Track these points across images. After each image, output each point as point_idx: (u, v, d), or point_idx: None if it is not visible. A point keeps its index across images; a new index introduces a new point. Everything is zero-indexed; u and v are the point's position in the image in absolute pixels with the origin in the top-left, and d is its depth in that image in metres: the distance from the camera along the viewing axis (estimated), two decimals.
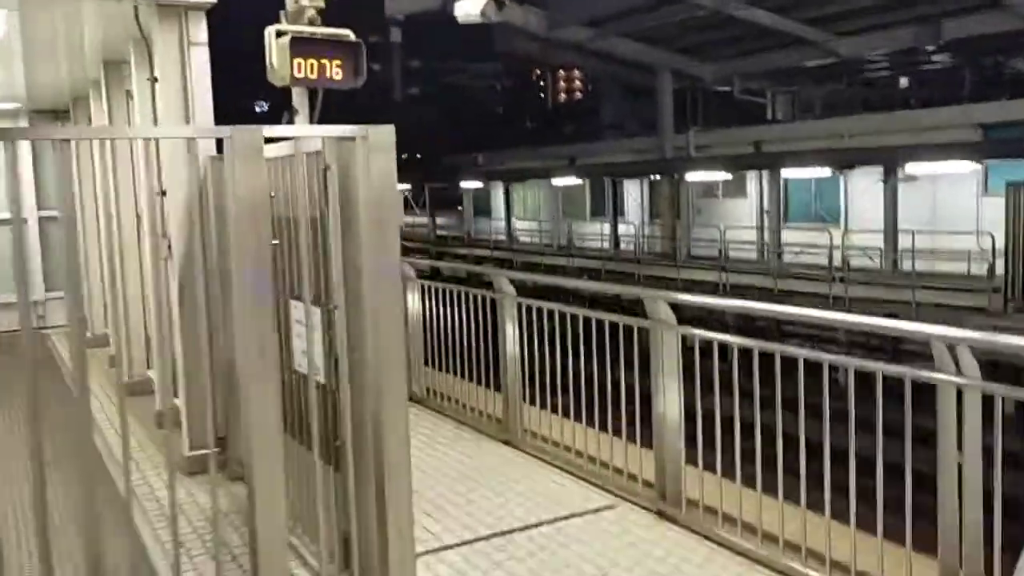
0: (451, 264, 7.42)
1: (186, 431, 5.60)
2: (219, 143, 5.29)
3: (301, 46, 7.22)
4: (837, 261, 18.22)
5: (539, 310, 5.63)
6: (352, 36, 7.53)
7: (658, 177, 25.44)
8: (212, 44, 5.61)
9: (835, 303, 17.75)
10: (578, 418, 5.41)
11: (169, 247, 5.54)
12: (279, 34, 7.12)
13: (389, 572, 3.30)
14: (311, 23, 7.41)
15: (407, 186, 38.16)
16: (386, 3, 19.64)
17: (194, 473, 5.47)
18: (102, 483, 3.33)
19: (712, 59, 25.84)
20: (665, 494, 4.64)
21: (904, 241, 18.95)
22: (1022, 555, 2.23)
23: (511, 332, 6.00)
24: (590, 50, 24.63)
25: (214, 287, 4.77)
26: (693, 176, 22.94)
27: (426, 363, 7.23)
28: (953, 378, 3.28)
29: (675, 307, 4.64)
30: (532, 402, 6.06)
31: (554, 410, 5.84)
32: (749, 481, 4.31)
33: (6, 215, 11.05)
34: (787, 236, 21.79)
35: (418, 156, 48.64)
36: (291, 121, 7.78)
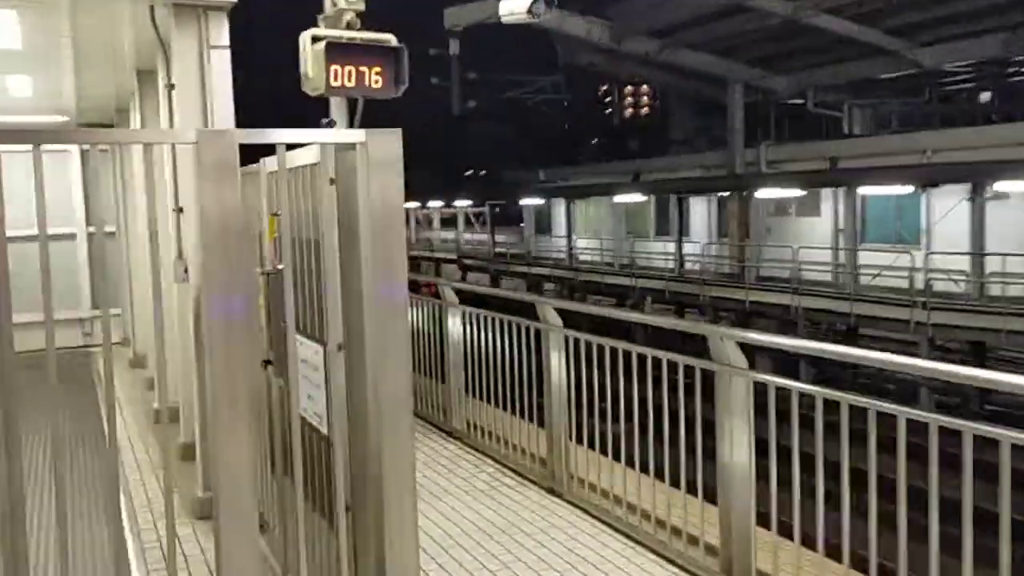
0: (492, 289, 6.84)
1: (200, 470, 5.13)
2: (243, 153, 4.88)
3: (338, 52, 6.72)
4: (919, 284, 17.04)
5: (588, 344, 4.98)
6: (394, 41, 7.07)
7: (727, 194, 24.48)
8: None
9: (917, 329, 16.58)
10: (630, 461, 4.74)
11: (186, 269, 5.10)
12: (315, 40, 6.70)
13: None
14: (349, 27, 6.97)
15: (468, 202, 37.90)
16: (445, 14, 19.29)
17: (207, 517, 4.99)
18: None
19: (785, 71, 24.80)
20: (732, 568, 3.94)
21: (992, 264, 17.67)
22: None
23: (557, 366, 5.38)
24: (656, 62, 23.86)
25: None
26: (764, 193, 21.93)
27: (467, 390, 6.66)
28: None
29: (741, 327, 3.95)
30: (579, 440, 5.42)
31: (603, 450, 5.18)
32: (834, 552, 3.61)
33: (63, 230, 11.06)
34: (864, 257, 20.60)
35: (482, 172, 48.32)
36: None
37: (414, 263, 39.32)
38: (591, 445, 5.27)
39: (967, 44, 20.23)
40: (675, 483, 4.75)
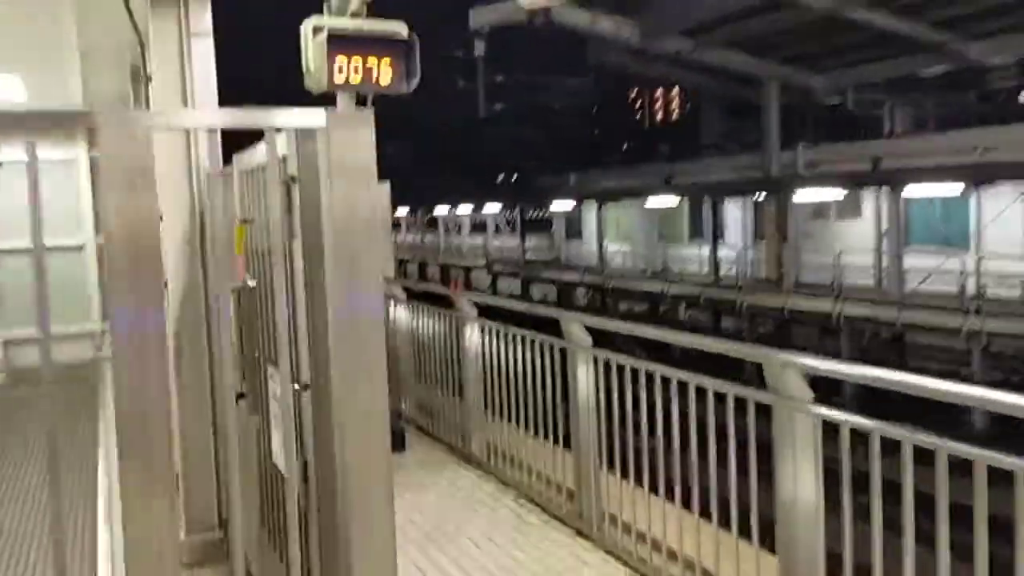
0: (510, 302, 6.24)
1: (182, 510, 4.57)
2: (225, 149, 4.33)
3: (341, 44, 6.13)
4: (969, 289, 16.14)
5: (620, 366, 4.35)
6: (405, 31, 6.46)
7: (763, 197, 23.63)
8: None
9: (970, 338, 15.67)
10: (670, 494, 4.09)
11: (165, 284, 4.56)
12: (316, 31, 6.12)
13: None
14: (355, 16, 6.38)
15: (498, 206, 37.38)
16: (470, 15, 18.73)
17: (193, 565, 4.44)
18: None
19: (823, 69, 23.90)
20: None
21: None
22: None
23: (585, 388, 4.75)
24: (688, 61, 23.08)
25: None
26: (802, 195, 21.07)
27: (485, 407, 6.06)
28: None
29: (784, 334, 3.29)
30: (612, 465, 4.78)
31: (639, 479, 4.52)
32: None
33: (70, 241, 10.68)
34: (909, 261, 19.67)
35: (513, 177, 47.79)
36: None
37: (443, 270, 38.89)
38: (624, 474, 4.63)
39: (1018, 38, 19.24)
40: (724, 523, 4.10)
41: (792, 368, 3.21)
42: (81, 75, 7.31)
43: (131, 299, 1.88)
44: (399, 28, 6.30)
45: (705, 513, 4.00)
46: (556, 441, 5.14)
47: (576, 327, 4.62)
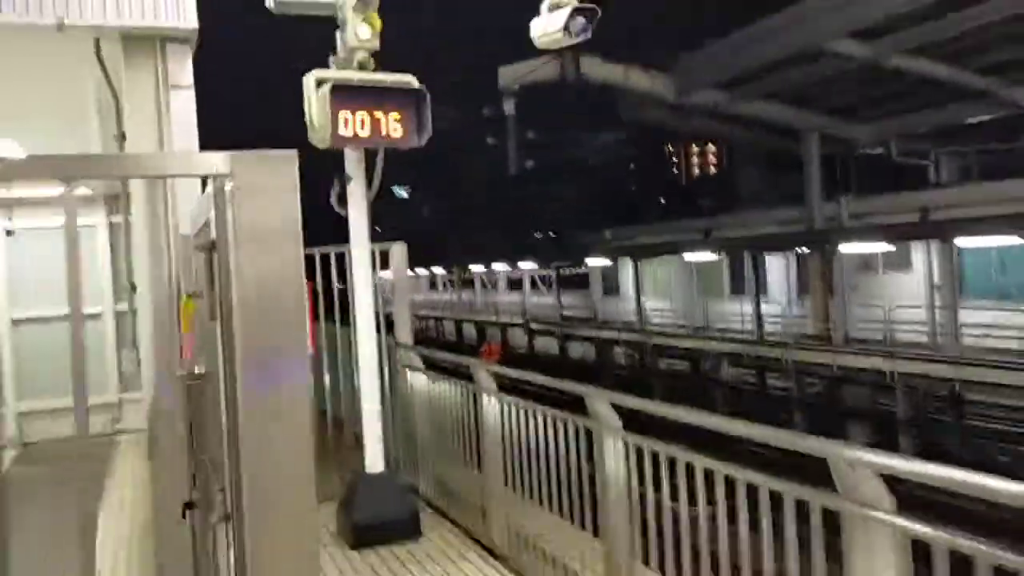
0: (533, 374, 5.65)
1: None
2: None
3: (347, 96, 5.70)
4: None
5: (655, 453, 3.73)
6: (415, 82, 6.05)
7: (806, 250, 22.84)
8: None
9: None
10: None
11: (139, 362, 4.10)
12: (319, 83, 5.73)
13: None
14: (361, 68, 6.00)
15: (533, 264, 37.00)
16: (499, 74, 18.55)
17: None
18: None
19: (865, 119, 23.27)
20: None
21: None
22: None
23: (615, 473, 4.14)
24: (724, 114, 22.63)
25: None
26: (848, 248, 20.27)
27: (506, 483, 5.45)
28: None
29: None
30: (646, 560, 4.14)
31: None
32: None
33: (91, 309, 10.27)
34: (964, 315, 18.69)
35: (550, 234, 47.54)
36: (342, 192, 6.32)
37: (479, 328, 38.44)
38: (663, 572, 3.99)
39: None
40: None
41: (864, 467, 2.59)
42: (55, 137, 6.86)
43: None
44: (409, 79, 5.91)
45: None
46: (584, 526, 4.56)
47: (604, 406, 4.03)
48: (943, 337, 18.69)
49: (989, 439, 15.83)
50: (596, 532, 4.49)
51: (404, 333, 7.08)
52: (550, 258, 35.23)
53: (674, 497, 3.75)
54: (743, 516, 3.17)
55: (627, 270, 30.14)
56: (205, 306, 2.46)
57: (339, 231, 6.21)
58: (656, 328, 26.44)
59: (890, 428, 16.95)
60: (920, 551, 2.49)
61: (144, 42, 3.85)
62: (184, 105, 3.96)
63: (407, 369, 7.02)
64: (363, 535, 5.78)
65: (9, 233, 8.57)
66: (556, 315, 32.89)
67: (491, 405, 5.55)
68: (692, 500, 3.56)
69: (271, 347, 1.53)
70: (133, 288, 4.15)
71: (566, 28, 4.30)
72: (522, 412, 4.98)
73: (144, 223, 3.87)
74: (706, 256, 25.14)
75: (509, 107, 19.33)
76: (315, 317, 7.36)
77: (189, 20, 3.76)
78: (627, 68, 20.49)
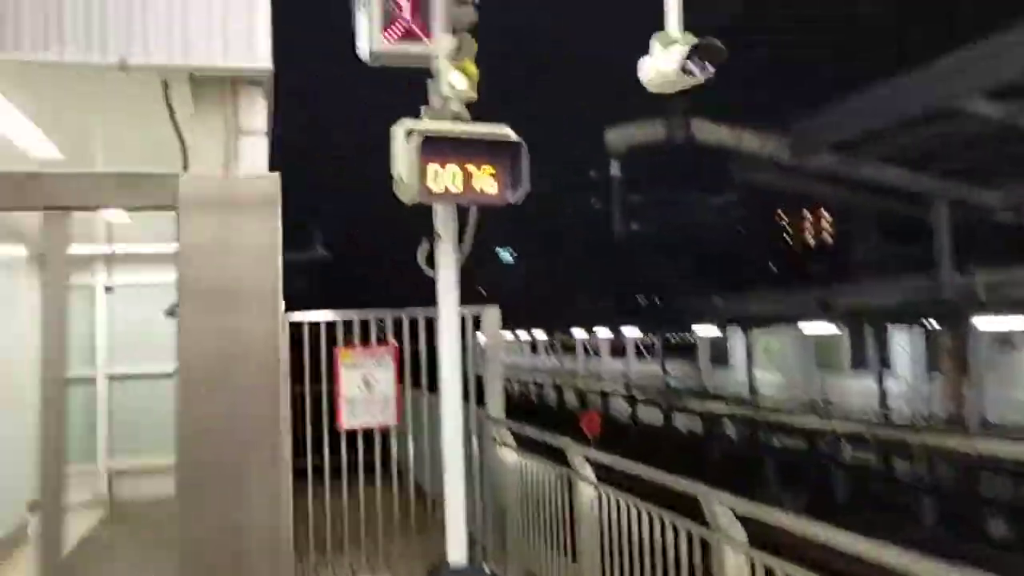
0: (635, 467, 4.94)
1: None
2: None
3: (437, 149, 5.29)
4: None
5: None
6: (512, 133, 5.60)
7: (936, 325, 21.16)
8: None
9: None
10: None
11: None
12: (408, 134, 5.35)
13: None
14: (456, 119, 5.59)
15: (637, 330, 36.01)
16: (606, 136, 18.16)
17: None
18: None
19: (997, 184, 21.65)
20: None
21: None
22: None
23: None
24: (842, 178, 21.46)
25: None
26: (984, 323, 18.63)
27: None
28: None
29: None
30: None
31: None
32: None
33: (163, 368, 10.13)
34: None
35: (656, 299, 46.45)
36: (431, 251, 5.88)
37: (580, 395, 37.48)
38: None
39: None
40: None
41: None
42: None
43: None
44: (505, 130, 5.45)
45: None
46: None
47: (723, 513, 3.32)
48: None
49: None
50: None
51: (495, 405, 6.53)
52: (654, 324, 34.22)
53: None
54: None
55: (737, 340, 28.85)
56: None
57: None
58: (770, 402, 25.00)
59: None
60: None
61: (212, 83, 3.53)
62: (256, 152, 3.60)
63: (498, 444, 6.44)
64: None
65: (108, 290, 8.58)
66: (660, 384, 31.73)
67: (587, 493, 4.90)
68: None
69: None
70: None
71: (684, 70, 3.73)
72: (623, 504, 4.30)
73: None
74: (824, 327, 23.73)
75: (615, 169, 18.89)
76: (400, 380, 6.92)
77: (261, 60, 3.42)
78: (738, 131, 19.76)
